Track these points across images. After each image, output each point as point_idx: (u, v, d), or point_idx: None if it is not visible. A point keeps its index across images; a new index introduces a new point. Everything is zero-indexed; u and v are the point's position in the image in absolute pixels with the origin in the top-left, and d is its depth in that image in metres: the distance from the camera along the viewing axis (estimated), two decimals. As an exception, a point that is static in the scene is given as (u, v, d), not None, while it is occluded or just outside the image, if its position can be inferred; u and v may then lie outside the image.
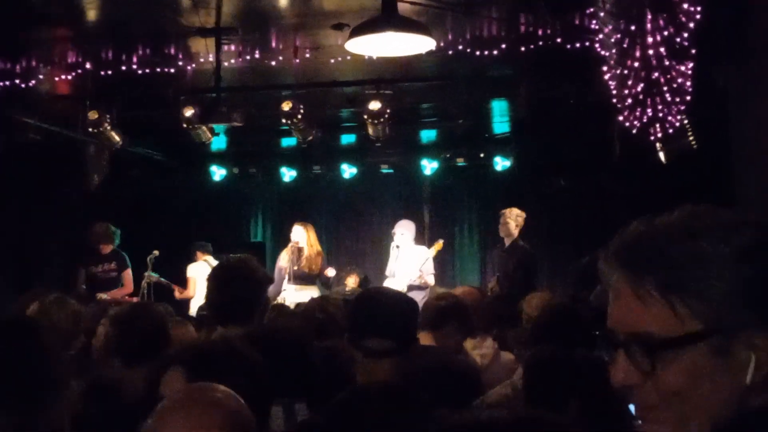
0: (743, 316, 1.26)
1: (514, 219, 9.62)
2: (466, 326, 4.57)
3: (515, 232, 9.59)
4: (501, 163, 11.83)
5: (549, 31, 7.74)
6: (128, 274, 9.66)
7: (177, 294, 10.23)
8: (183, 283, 10.40)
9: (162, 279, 9.90)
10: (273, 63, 8.62)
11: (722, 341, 1.26)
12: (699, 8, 6.01)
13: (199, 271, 10.03)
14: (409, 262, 9.73)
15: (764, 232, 1.30)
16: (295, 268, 9.53)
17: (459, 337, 4.54)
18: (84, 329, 4.57)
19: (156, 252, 9.79)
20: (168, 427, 1.85)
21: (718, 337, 1.26)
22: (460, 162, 12.03)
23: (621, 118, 6.42)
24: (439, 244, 9.94)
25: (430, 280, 9.62)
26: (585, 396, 3.21)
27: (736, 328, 1.25)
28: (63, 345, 4.05)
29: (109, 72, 8.83)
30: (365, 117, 9.59)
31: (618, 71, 6.30)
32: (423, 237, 11.18)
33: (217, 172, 12.71)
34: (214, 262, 9.98)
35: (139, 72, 8.82)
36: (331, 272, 9.80)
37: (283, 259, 9.68)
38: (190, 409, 1.88)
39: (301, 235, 9.72)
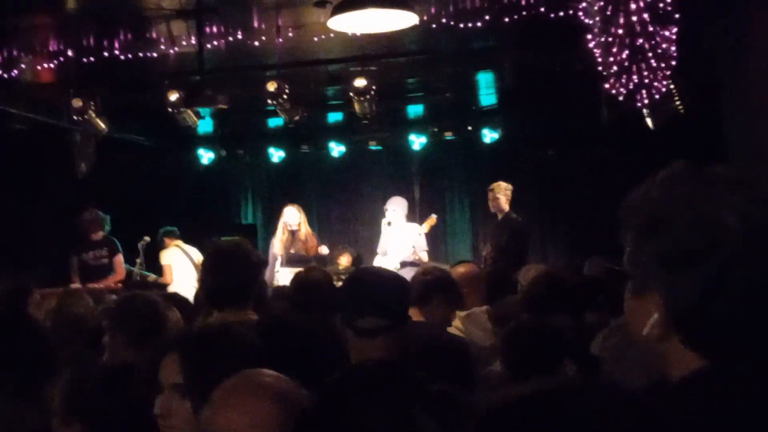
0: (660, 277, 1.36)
1: (503, 192, 9.70)
2: (452, 299, 4.56)
3: (506, 205, 9.67)
4: (489, 135, 11.84)
5: (532, 1, 7.70)
6: (119, 259, 9.58)
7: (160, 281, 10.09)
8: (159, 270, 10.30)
9: (149, 275, 9.78)
10: (256, 43, 8.55)
11: (638, 286, 1.40)
12: (682, -29, 5.93)
13: (173, 257, 10.01)
14: (402, 239, 9.71)
15: None
16: (292, 251, 9.50)
17: (446, 311, 4.52)
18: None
19: (147, 238, 9.72)
20: (225, 415, 1.91)
21: (635, 282, 1.41)
22: (448, 136, 12.04)
23: (607, 85, 6.42)
24: (432, 220, 9.97)
25: (424, 257, 9.57)
26: (564, 363, 3.26)
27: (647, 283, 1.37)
28: (74, 337, 4.08)
29: (92, 59, 8.75)
30: (351, 94, 9.53)
31: (602, 39, 6.31)
32: (414, 213, 11.18)
33: (205, 155, 12.67)
34: (186, 247, 10.09)
35: (122, 57, 8.74)
36: (324, 250, 9.75)
37: (277, 246, 9.63)
38: (244, 395, 1.92)
39: (295, 217, 9.67)
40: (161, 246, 10.32)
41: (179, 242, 10.23)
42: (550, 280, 4.41)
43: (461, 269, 5.34)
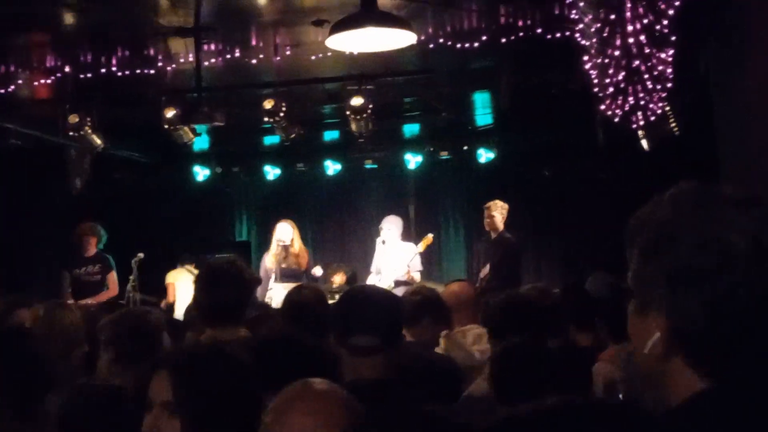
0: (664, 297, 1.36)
1: (499, 211, 9.71)
2: (441, 319, 4.52)
3: (500, 225, 9.64)
4: (485, 155, 11.74)
5: (529, 22, 7.71)
6: (113, 276, 9.51)
7: (162, 303, 9.98)
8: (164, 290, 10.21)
9: (145, 297, 9.61)
10: (254, 61, 8.53)
11: (641, 304, 1.40)
12: (679, -6, 5.94)
13: (178, 277, 9.93)
14: (396, 258, 9.65)
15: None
16: (283, 266, 9.36)
17: (435, 331, 4.49)
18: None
19: (141, 254, 9.59)
20: (293, 419, 1.97)
21: (638, 300, 1.41)
22: (444, 155, 11.95)
23: (603, 107, 6.39)
24: (428, 239, 9.85)
25: (417, 277, 9.49)
26: (553, 385, 3.23)
27: (651, 301, 1.37)
28: (66, 352, 4.05)
29: (89, 75, 8.74)
30: (348, 113, 9.47)
31: (599, 60, 6.29)
32: (410, 232, 11.09)
33: (201, 173, 12.54)
34: (194, 269, 9.82)
35: (119, 74, 8.70)
36: (318, 271, 9.66)
37: (269, 261, 9.52)
38: (308, 401, 1.98)
39: (287, 232, 9.55)
40: (173, 266, 10.27)
41: (190, 266, 10.13)
42: (506, 303, 4.28)
43: (455, 288, 5.28)
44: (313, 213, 12.80)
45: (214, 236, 12.24)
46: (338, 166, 12.33)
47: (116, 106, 9.65)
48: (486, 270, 9.42)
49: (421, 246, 9.83)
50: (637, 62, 6.01)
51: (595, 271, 6.84)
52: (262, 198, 13.06)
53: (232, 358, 2.38)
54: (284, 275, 9.24)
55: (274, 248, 9.57)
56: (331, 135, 11.82)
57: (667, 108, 7.76)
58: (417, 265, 9.69)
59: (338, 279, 10.31)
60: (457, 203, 12.59)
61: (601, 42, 6.20)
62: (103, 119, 9.66)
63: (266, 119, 9.49)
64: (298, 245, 9.56)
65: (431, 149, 11.94)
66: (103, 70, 8.63)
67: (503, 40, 7.90)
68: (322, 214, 12.90)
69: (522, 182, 11.56)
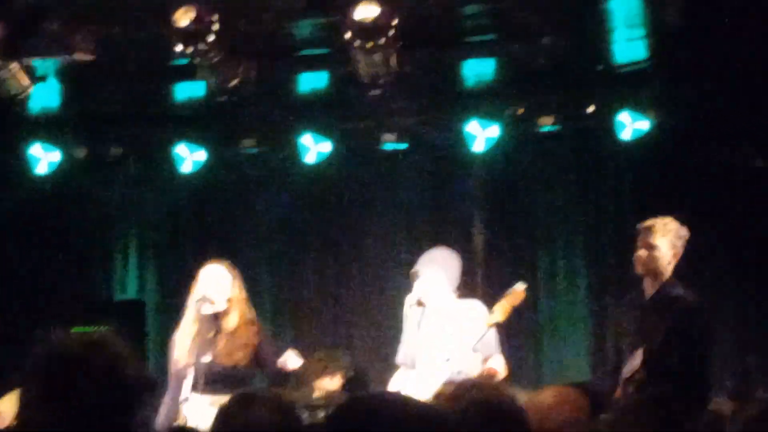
0: None
1: (668, 238, 6.48)
2: None
3: (668, 266, 6.41)
4: (630, 125, 7.72)
5: None
6: None
7: None
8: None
9: None
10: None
11: None
12: None
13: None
14: (451, 335, 6.59)
15: None
16: (209, 358, 6.49)
17: None
18: None
19: None
20: None
21: None
22: (545, 125, 7.99)
23: None
24: (516, 294, 6.46)
25: (497, 365, 6.42)
26: None
27: None
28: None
29: None
30: (349, 37, 7.01)
31: None
32: (473, 280, 7.66)
33: (45, 158, 8.47)
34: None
35: None
36: (292, 361, 6.69)
37: (183, 347, 6.55)
38: None
39: (220, 286, 6.56)
40: None
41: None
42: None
43: (560, 397, 3.96)
44: (273, 239, 8.77)
45: (72, 289, 8.51)
46: (327, 146, 8.31)
47: None
48: (636, 360, 6.51)
49: (500, 311, 6.42)
50: None
51: None
52: (171, 209, 9.10)
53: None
54: (213, 376, 6.54)
55: (191, 319, 6.55)
56: (313, 82, 8.13)
57: None
58: (492, 345, 6.53)
59: (329, 382, 7.35)
60: (572, 219, 8.50)
61: None
62: None
63: (179, 49, 7.09)
64: (240, 313, 6.63)
65: (519, 113, 8.05)
66: None
67: None
68: (292, 243, 8.86)
69: (709, 179, 7.69)
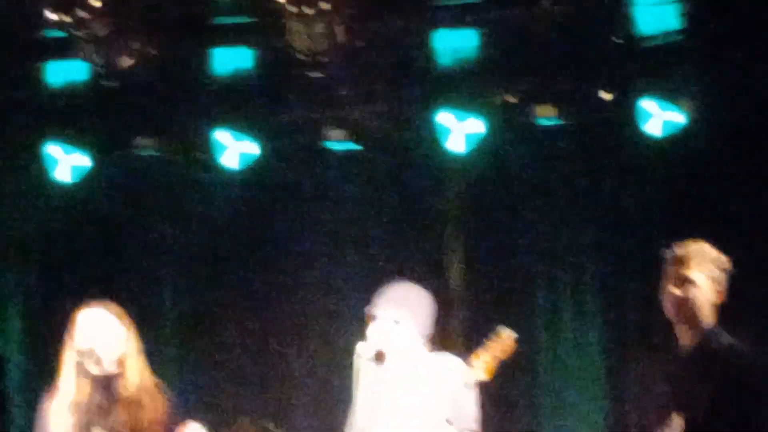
0: None
1: (707, 274, 4.98)
2: None
3: (710, 307, 4.95)
4: (660, 115, 6.50)
5: None
6: None
7: None
8: None
9: None
10: None
11: None
12: None
13: None
14: (418, 398, 5.42)
15: None
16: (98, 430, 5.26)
17: None
18: None
19: None
20: None
21: None
22: (544, 117, 6.82)
23: None
24: (503, 343, 5.30)
25: None
26: None
27: None
28: None
29: None
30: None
31: None
32: (447, 323, 6.35)
33: None
34: None
35: None
36: None
37: (61, 415, 5.13)
38: None
39: (108, 338, 5.14)
40: None
41: None
42: None
43: None
44: (183, 274, 7.56)
45: None
46: (251, 147, 7.23)
47: None
48: (676, 427, 5.06)
49: (483, 366, 5.26)
50: None
51: None
52: (42, 230, 7.84)
53: None
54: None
55: (70, 377, 5.16)
56: (232, 62, 6.99)
57: None
58: (469, 417, 5.27)
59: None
60: (580, 242, 7.27)
61: None
62: None
63: (52, 17, 6.13)
64: (133, 371, 5.23)
65: (514, 101, 6.95)
66: None
67: None
68: (208, 277, 7.62)
69: (760, 192, 6.58)
